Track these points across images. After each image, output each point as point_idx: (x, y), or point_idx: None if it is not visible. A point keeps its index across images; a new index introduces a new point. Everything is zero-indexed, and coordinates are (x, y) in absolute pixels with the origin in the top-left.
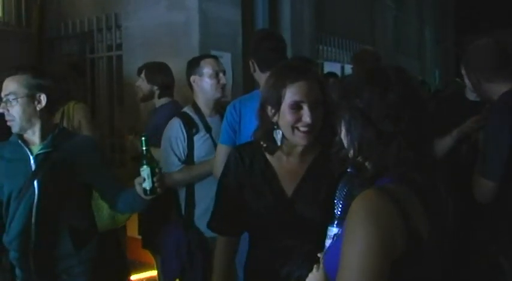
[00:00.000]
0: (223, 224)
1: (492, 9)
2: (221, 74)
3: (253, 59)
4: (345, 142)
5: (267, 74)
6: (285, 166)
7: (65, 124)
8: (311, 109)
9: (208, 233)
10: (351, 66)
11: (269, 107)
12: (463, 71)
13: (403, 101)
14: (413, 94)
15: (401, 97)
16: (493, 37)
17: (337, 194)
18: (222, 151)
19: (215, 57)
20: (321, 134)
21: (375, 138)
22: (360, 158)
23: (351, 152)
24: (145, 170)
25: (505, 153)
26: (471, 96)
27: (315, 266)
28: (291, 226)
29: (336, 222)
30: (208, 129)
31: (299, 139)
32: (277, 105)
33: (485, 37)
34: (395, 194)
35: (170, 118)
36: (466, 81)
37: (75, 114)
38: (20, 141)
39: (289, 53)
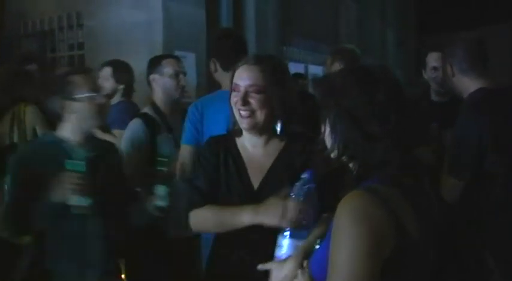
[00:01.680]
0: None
1: (453, 11)
2: (181, 75)
3: (214, 59)
4: (328, 142)
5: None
6: (254, 158)
7: (15, 128)
8: (245, 93)
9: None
10: (328, 62)
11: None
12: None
13: (390, 102)
14: (399, 95)
15: (389, 98)
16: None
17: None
18: (186, 151)
19: (177, 58)
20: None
21: (361, 139)
22: (344, 158)
23: (335, 152)
24: (163, 189)
25: (473, 152)
26: (437, 98)
27: (300, 270)
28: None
29: None
30: (169, 129)
31: (241, 122)
32: (232, 88)
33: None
34: (382, 194)
35: (126, 110)
36: (432, 83)
37: (27, 119)
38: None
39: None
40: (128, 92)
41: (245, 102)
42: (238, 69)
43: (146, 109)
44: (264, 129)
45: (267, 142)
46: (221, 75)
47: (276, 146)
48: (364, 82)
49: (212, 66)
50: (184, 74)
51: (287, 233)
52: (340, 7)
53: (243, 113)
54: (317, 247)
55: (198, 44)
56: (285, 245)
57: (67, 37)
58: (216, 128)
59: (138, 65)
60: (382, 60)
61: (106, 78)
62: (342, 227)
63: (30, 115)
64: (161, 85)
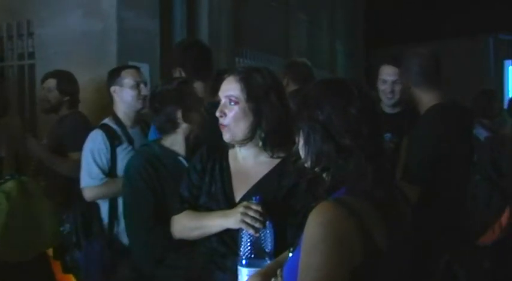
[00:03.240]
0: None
1: (400, 24)
2: (142, 85)
3: (181, 68)
4: (302, 153)
5: (196, 83)
6: (242, 171)
7: (3, 142)
8: (222, 105)
9: None
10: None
11: None
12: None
13: (363, 116)
14: (372, 109)
15: (362, 112)
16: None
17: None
18: None
19: (136, 68)
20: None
21: (333, 152)
22: (317, 169)
23: (308, 163)
24: None
25: (432, 159)
26: (387, 109)
27: (273, 279)
28: (227, 232)
29: None
30: (130, 140)
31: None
32: None
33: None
34: (352, 206)
35: (78, 129)
36: (381, 95)
37: (16, 132)
38: None
39: None
40: (74, 103)
41: (222, 113)
42: (223, 81)
43: (107, 120)
44: (246, 142)
45: (257, 156)
46: None
47: (269, 162)
48: (338, 96)
49: (178, 76)
50: (145, 83)
51: (244, 262)
52: (291, 19)
53: (221, 123)
54: (290, 255)
55: (151, 55)
56: (243, 274)
57: (16, 46)
58: None
59: (93, 75)
60: (331, 72)
61: (50, 91)
62: (310, 237)
63: (17, 128)
64: (122, 96)
